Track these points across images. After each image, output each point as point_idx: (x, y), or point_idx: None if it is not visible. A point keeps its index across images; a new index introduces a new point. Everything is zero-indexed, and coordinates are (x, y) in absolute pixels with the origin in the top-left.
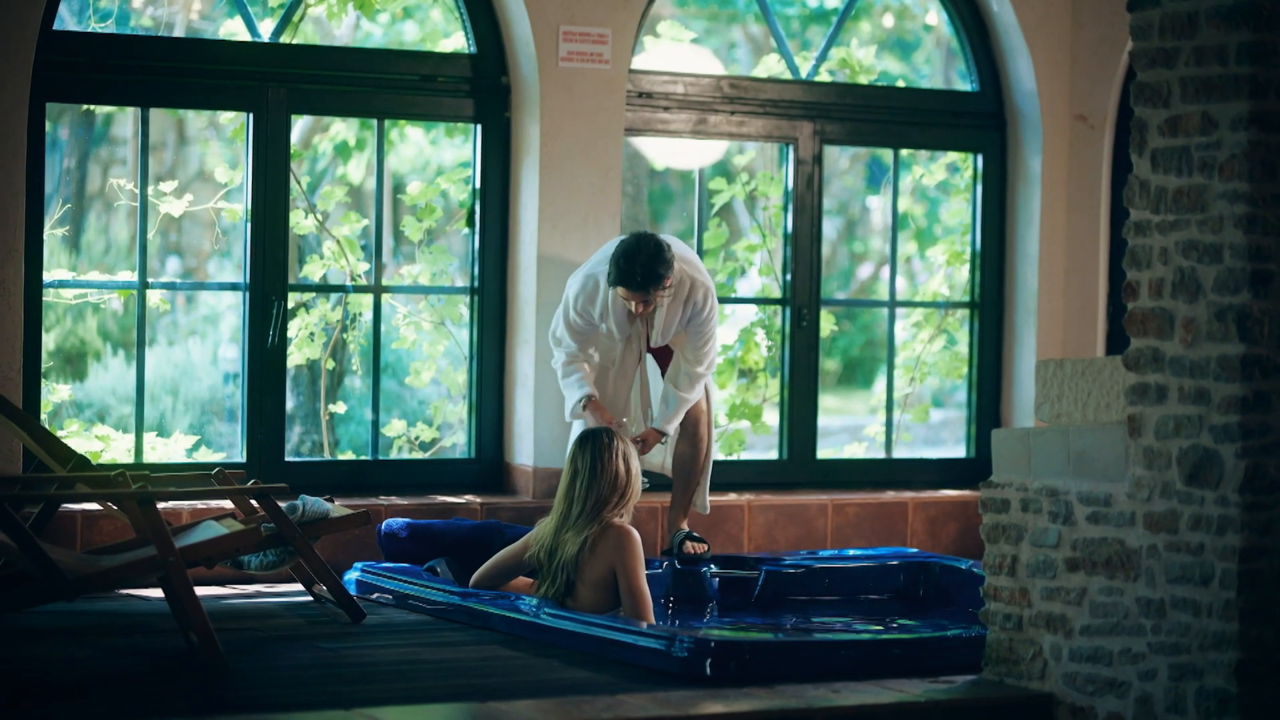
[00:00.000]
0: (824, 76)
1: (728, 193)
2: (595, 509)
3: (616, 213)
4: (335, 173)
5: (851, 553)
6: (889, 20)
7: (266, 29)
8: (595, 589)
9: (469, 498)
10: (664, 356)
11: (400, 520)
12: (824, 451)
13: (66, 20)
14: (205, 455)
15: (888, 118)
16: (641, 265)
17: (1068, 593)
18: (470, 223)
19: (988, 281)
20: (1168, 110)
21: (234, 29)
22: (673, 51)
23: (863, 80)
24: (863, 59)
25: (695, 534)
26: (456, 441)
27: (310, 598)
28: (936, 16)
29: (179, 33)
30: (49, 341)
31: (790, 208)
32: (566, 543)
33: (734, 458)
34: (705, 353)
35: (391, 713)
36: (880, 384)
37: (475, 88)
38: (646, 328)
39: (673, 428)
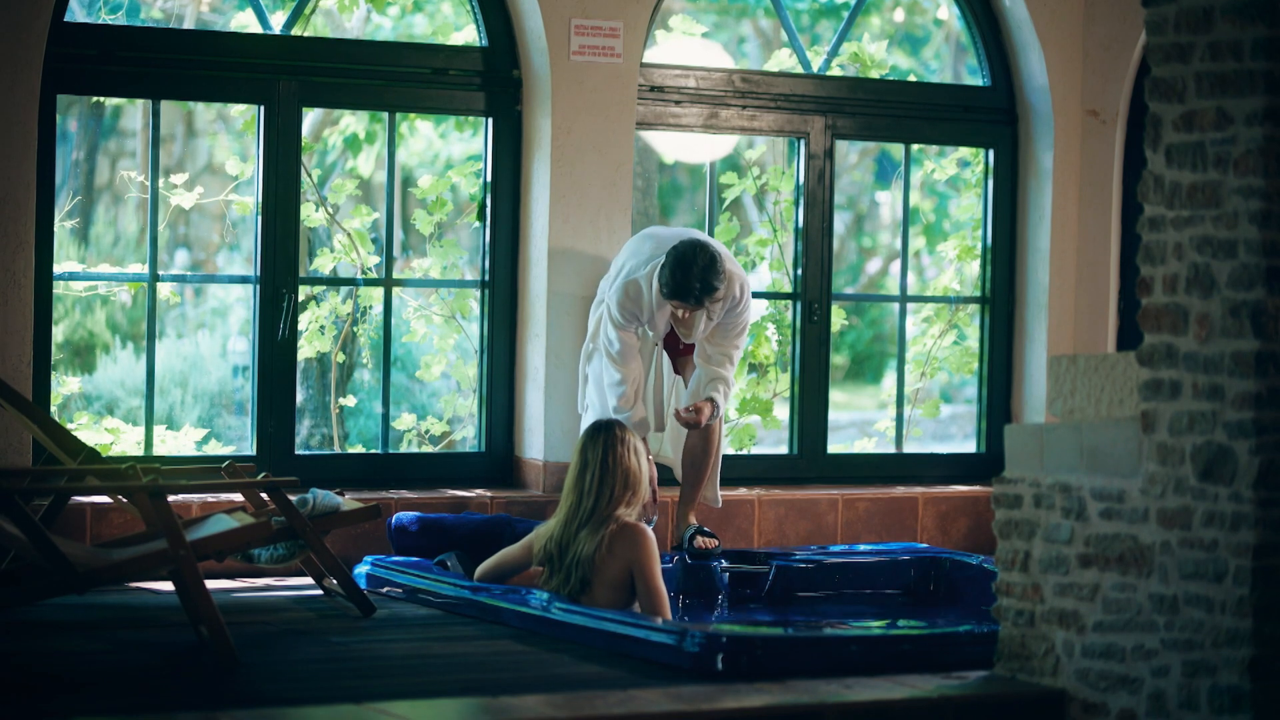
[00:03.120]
0: (835, 71)
1: (738, 187)
2: (609, 505)
3: (627, 207)
4: (345, 166)
5: (862, 548)
6: (899, 15)
7: (278, 21)
8: (611, 588)
9: (479, 492)
10: (677, 348)
11: (410, 514)
12: (834, 446)
13: (77, 12)
14: (215, 448)
15: (900, 112)
16: (699, 279)
17: (1080, 589)
18: (481, 216)
19: (998, 277)
20: (1182, 105)
21: (245, 21)
22: (684, 45)
23: (874, 75)
24: (874, 53)
25: (706, 529)
26: (467, 435)
27: (320, 592)
28: (947, 11)
29: (189, 25)
30: (58, 334)
31: (801, 202)
32: (581, 540)
33: (744, 452)
34: (739, 344)
35: (402, 707)
36: (890, 379)
37: (486, 81)
38: (682, 327)
39: (721, 398)
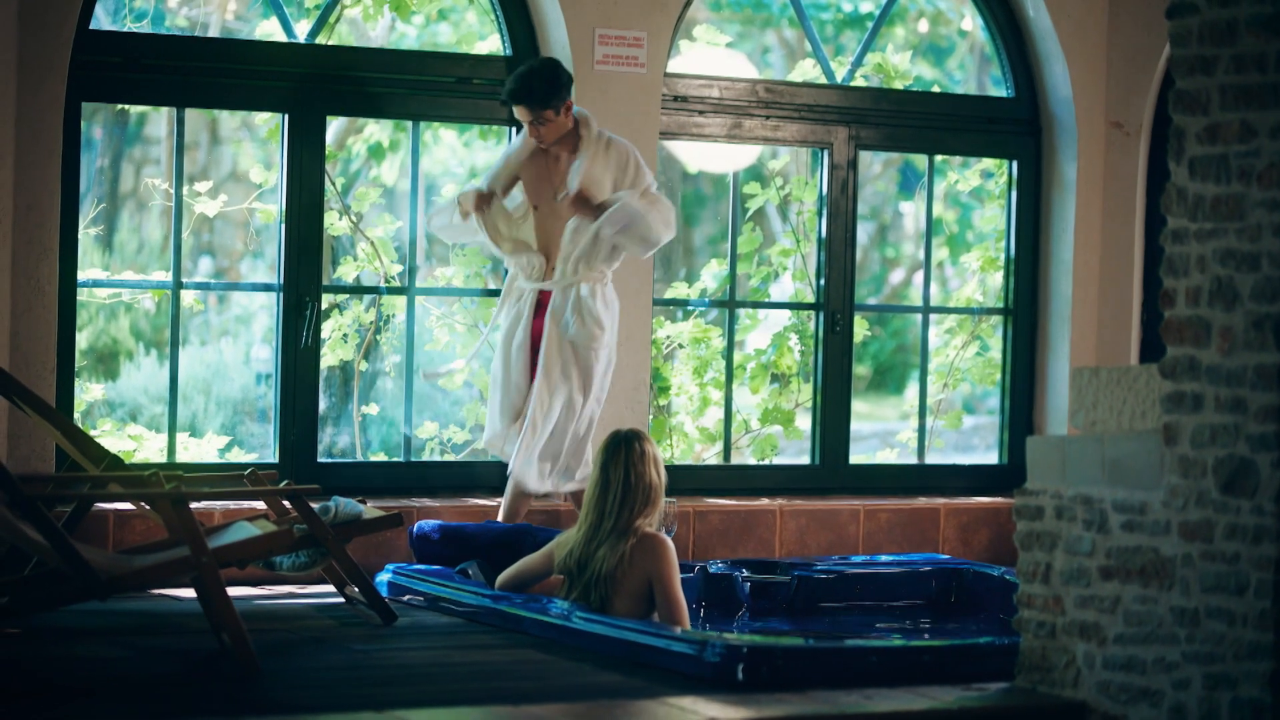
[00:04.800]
0: (859, 81)
1: (761, 197)
2: (629, 519)
3: None
4: (369, 174)
5: (883, 559)
6: (924, 25)
7: (302, 30)
8: (631, 598)
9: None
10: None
11: (432, 522)
12: (856, 457)
13: (102, 20)
14: (237, 456)
15: (923, 123)
16: (527, 79)
17: (1102, 601)
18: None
19: (1022, 288)
20: (1206, 118)
21: (270, 30)
22: (708, 55)
23: (898, 85)
24: (898, 64)
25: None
26: None
27: (342, 599)
28: (972, 22)
29: (214, 33)
30: (82, 340)
31: (824, 213)
32: (601, 558)
33: (766, 463)
34: (656, 207)
35: (422, 715)
36: (912, 390)
37: None
38: (565, 187)
39: (608, 213)
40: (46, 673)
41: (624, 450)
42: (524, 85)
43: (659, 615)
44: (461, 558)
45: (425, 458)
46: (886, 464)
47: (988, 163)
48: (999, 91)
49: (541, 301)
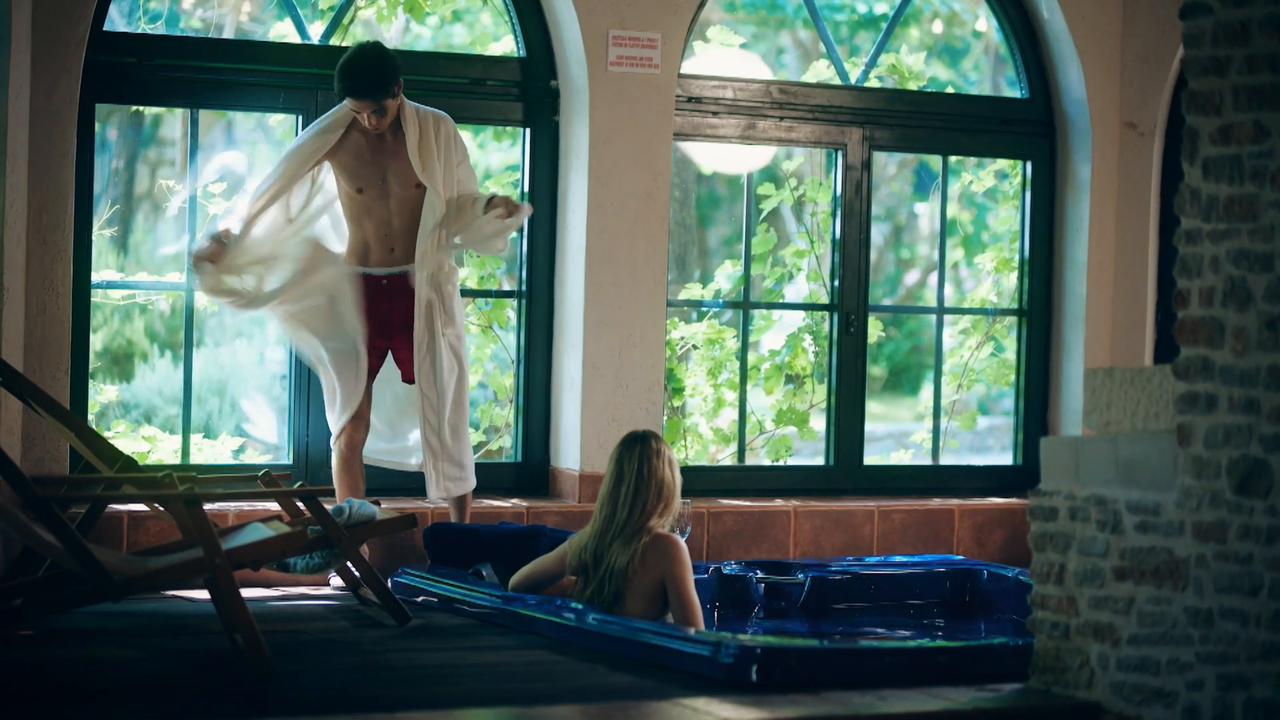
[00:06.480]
0: (873, 82)
1: (776, 198)
2: (642, 517)
3: (665, 217)
4: None
5: (898, 560)
6: (938, 26)
7: (316, 31)
8: (644, 599)
9: (515, 501)
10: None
11: (446, 523)
12: (870, 458)
13: (116, 21)
14: (251, 457)
15: (937, 124)
16: (365, 70)
17: (1115, 602)
18: (518, 227)
19: (1036, 289)
20: (1219, 119)
21: (284, 31)
22: (722, 56)
23: (912, 86)
24: (912, 65)
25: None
26: (503, 445)
27: (356, 600)
28: (986, 23)
29: (229, 34)
30: (96, 342)
31: (838, 213)
32: (615, 553)
33: (780, 463)
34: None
35: (436, 716)
36: (927, 391)
37: (524, 91)
38: (396, 175)
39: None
40: (60, 674)
41: (639, 446)
42: (372, 77)
43: (673, 616)
44: (475, 559)
45: None
46: (901, 465)
47: (1002, 163)
48: (1013, 92)
49: (389, 288)
